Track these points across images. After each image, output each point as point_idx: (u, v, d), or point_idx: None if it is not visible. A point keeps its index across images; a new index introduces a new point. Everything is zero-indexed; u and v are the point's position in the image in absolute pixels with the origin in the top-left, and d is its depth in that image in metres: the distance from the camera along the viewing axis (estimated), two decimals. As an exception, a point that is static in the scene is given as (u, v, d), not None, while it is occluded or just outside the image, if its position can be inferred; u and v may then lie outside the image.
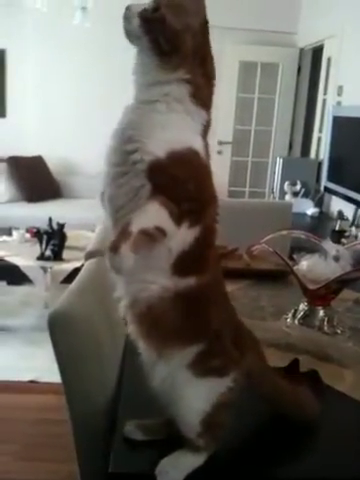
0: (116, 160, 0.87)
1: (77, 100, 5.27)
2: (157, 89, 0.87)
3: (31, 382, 2.76)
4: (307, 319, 1.53)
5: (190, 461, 0.93)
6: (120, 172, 0.86)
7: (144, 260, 0.85)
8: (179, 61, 0.87)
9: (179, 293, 0.88)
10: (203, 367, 0.91)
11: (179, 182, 0.84)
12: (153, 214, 0.83)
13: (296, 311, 1.56)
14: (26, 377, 2.79)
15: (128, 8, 0.88)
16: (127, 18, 0.88)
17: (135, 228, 0.81)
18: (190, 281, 0.88)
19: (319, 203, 4.22)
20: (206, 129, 0.91)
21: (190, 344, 0.90)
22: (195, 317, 0.90)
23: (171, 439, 0.95)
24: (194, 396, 0.91)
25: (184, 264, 0.87)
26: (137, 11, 0.88)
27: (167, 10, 0.86)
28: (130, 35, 0.89)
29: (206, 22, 0.89)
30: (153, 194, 0.83)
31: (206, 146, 0.91)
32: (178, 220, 0.84)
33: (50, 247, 3.32)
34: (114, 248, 0.81)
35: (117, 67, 5.04)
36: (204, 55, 0.90)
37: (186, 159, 0.85)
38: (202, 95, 0.90)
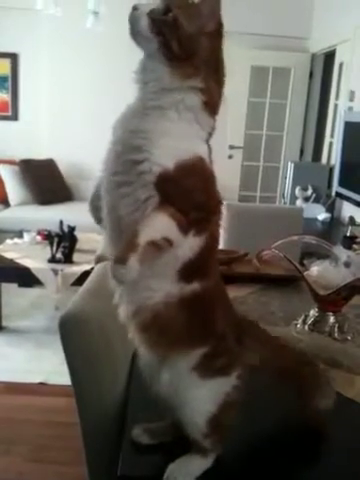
0: (119, 168, 0.84)
1: (89, 104, 5.30)
2: (169, 96, 0.84)
3: (41, 384, 2.77)
4: (317, 325, 1.52)
5: (198, 464, 0.93)
6: (124, 181, 0.83)
7: (149, 268, 0.84)
8: (193, 68, 0.83)
9: (184, 299, 0.87)
10: (208, 368, 0.90)
11: (188, 192, 0.83)
12: (162, 226, 0.81)
13: (306, 317, 1.55)
14: (36, 379, 2.81)
15: (135, 8, 0.84)
16: (135, 18, 0.83)
17: (143, 240, 0.79)
18: (195, 286, 0.88)
19: (330, 208, 4.20)
20: (211, 135, 0.89)
21: (196, 347, 0.90)
22: (201, 321, 0.90)
23: (179, 442, 0.95)
24: (200, 398, 0.91)
25: (190, 270, 0.87)
26: (146, 11, 0.83)
27: (179, 11, 0.81)
28: (137, 36, 0.84)
29: (221, 25, 0.84)
30: (161, 205, 0.81)
31: (209, 151, 0.89)
32: (186, 230, 0.83)
33: (61, 250, 3.34)
34: (121, 259, 0.79)
35: (129, 71, 5.04)
36: (218, 61, 0.87)
37: (194, 169, 0.84)
38: (213, 103, 0.87)
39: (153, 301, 0.87)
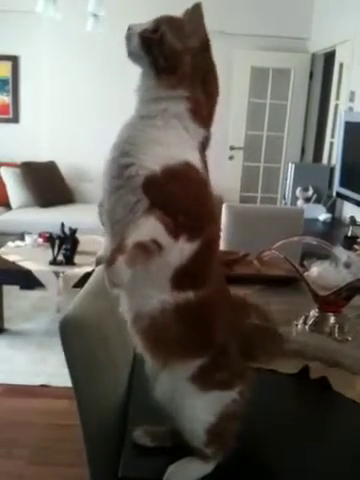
0: (113, 173, 0.88)
1: (90, 106, 5.31)
2: (156, 105, 0.88)
3: (43, 386, 2.77)
4: (318, 326, 1.52)
5: (198, 468, 0.93)
6: (117, 186, 0.87)
7: (143, 275, 0.86)
8: (178, 79, 0.88)
9: (179, 307, 0.88)
10: (206, 381, 0.91)
11: (175, 196, 0.84)
12: (149, 228, 0.83)
13: (307, 317, 1.55)
14: (38, 381, 2.81)
15: (130, 28, 0.90)
16: (128, 38, 0.90)
17: (130, 242, 0.81)
18: (189, 295, 0.89)
19: (331, 209, 4.20)
20: (205, 145, 0.91)
21: (193, 357, 0.91)
22: (197, 331, 0.91)
23: (181, 445, 0.95)
24: (197, 408, 0.91)
25: (182, 278, 0.87)
26: (138, 31, 0.89)
27: (166, 30, 0.87)
28: (132, 54, 0.91)
29: (207, 41, 0.90)
30: (149, 208, 0.83)
31: (204, 161, 0.91)
32: (175, 234, 0.84)
33: (62, 252, 3.34)
34: (110, 261, 0.81)
35: (130, 73, 5.05)
36: (205, 73, 0.91)
37: (182, 174, 0.85)
38: (201, 112, 0.90)
39: (150, 308, 0.88)
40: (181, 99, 0.88)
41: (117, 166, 0.87)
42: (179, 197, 0.85)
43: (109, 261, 0.81)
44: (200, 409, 0.91)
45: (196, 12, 0.89)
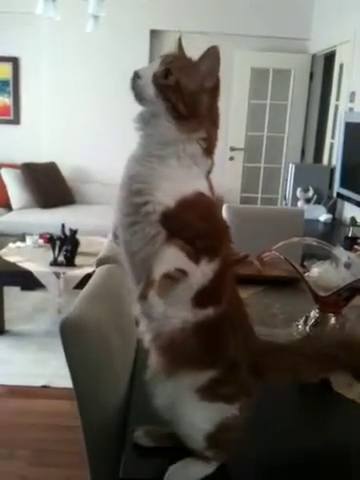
0: (127, 210, 0.90)
1: (90, 107, 5.32)
2: (172, 147, 0.89)
3: (44, 387, 2.77)
4: (318, 326, 1.52)
5: (199, 469, 0.93)
6: (133, 221, 0.89)
7: (166, 299, 0.88)
8: (197, 123, 0.88)
9: (199, 324, 0.90)
10: (212, 393, 0.92)
11: (191, 224, 0.88)
12: (171, 258, 0.87)
13: (307, 318, 1.55)
14: (39, 382, 2.81)
15: (137, 74, 0.89)
16: (140, 87, 0.88)
17: (157, 275, 0.85)
18: (209, 311, 0.91)
19: (332, 209, 4.20)
20: (210, 171, 0.94)
21: (204, 370, 0.92)
22: (212, 345, 0.92)
23: (181, 447, 0.95)
24: (198, 416, 0.92)
25: (204, 296, 0.90)
26: (149, 76, 0.88)
27: (180, 73, 0.87)
28: (142, 99, 0.89)
29: (218, 79, 0.90)
30: (169, 239, 0.87)
31: (210, 185, 0.93)
32: (196, 258, 0.87)
33: (63, 253, 3.35)
34: (142, 297, 0.86)
35: (129, 74, 5.06)
36: (216, 110, 0.92)
37: (195, 203, 0.89)
38: (212, 147, 0.92)
39: (169, 328, 0.90)
40: (199, 140, 0.90)
41: (131, 204, 0.89)
42: (195, 224, 0.88)
43: (142, 296, 0.86)
44: (200, 418, 0.92)
45: (213, 54, 0.88)
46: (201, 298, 0.90)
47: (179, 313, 0.89)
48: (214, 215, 0.93)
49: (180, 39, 0.93)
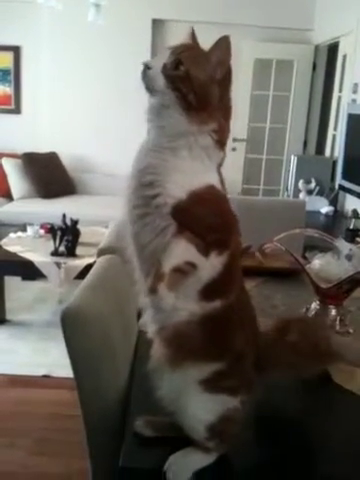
0: (137, 202, 0.89)
1: (91, 97, 5.29)
2: (184, 139, 0.88)
3: (45, 377, 2.79)
4: (319, 318, 1.52)
5: (199, 459, 0.94)
6: (143, 214, 0.89)
7: (175, 291, 0.88)
8: (209, 114, 0.87)
9: (205, 316, 0.90)
10: (216, 385, 0.92)
11: (202, 217, 0.88)
12: (181, 251, 0.86)
13: (308, 310, 1.56)
14: (40, 372, 2.82)
15: (148, 66, 0.87)
16: (150, 78, 0.87)
17: (167, 268, 0.86)
18: (216, 304, 0.90)
19: (333, 201, 4.19)
20: (221, 163, 0.93)
21: (209, 362, 0.92)
22: (219, 338, 0.92)
23: (182, 437, 0.96)
24: (200, 406, 0.92)
25: (212, 289, 0.90)
26: (158, 67, 0.86)
27: (190, 64, 0.86)
28: (152, 91, 0.88)
29: (230, 70, 0.89)
30: (179, 232, 0.86)
31: (221, 177, 0.93)
32: (206, 252, 0.87)
33: (64, 243, 3.34)
34: (152, 290, 0.86)
35: (131, 64, 5.04)
36: (228, 101, 0.91)
37: (206, 196, 0.88)
38: (224, 138, 0.91)
39: (176, 320, 0.90)
40: (210, 132, 0.88)
41: (142, 197, 0.88)
42: (206, 217, 0.88)
43: (151, 290, 0.86)
44: (203, 409, 0.92)
45: (224, 44, 0.87)
46: (209, 291, 0.89)
47: (187, 305, 0.89)
48: (224, 208, 0.92)
49: (193, 29, 0.92)
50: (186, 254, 0.86)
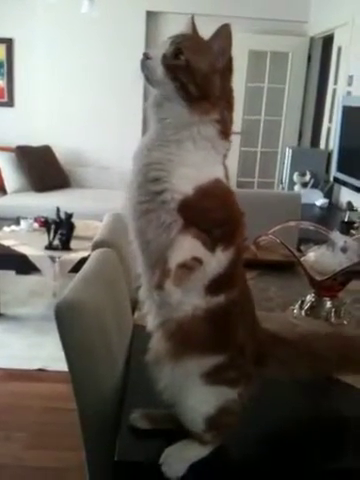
0: (142, 198, 0.88)
1: (85, 90, 5.26)
2: (187, 130, 0.87)
3: (40, 370, 2.78)
4: (314, 310, 1.53)
5: (195, 451, 0.94)
6: (148, 209, 0.88)
7: (181, 287, 0.87)
8: (211, 104, 0.86)
9: (210, 310, 0.90)
10: (216, 377, 0.92)
11: (208, 213, 0.87)
12: (187, 247, 0.85)
13: (303, 302, 1.56)
14: (35, 365, 2.82)
15: (146, 55, 0.86)
16: (149, 68, 0.86)
17: (173, 264, 0.84)
18: (220, 298, 0.90)
19: (328, 194, 4.19)
20: (226, 154, 0.93)
21: (211, 355, 0.91)
22: (222, 331, 0.92)
23: (177, 429, 0.95)
24: (200, 400, 0.92)
25: (217, 284, 0.89)
26: (158, 57, 0.85)
27: (190, 53, 0.84)
28: (153, 83, 0.87)
29: (231, 59, 0.88)
30: (185, 228, 0.85)
31: (226, 171, 0.93)
32: (212, 247, 0.86)
33: (58, 237, 3.33)
34: (159, 286, 0.84)
35: (125, 56, 5.01)
36: (229, 91, 0.90)
37: (212, 191, 0.88)
38: (228, 128, 0.90)
39: (180, 314, 0.89)
40: (213, 122, 0.88)
41: (147, 192, 0.87)
42: (212, 213, 0.87)
43: (158, 286, 0.85)
44: (202, 401, 0.92)
45: (224, 32, 0.87)
46: (215, 286, 0.89)
47: (192, 300, 0.89)
48: (230, 202, 0.92)
49: (193, 18, 0.91)
50: (192, 250, 0.85)
